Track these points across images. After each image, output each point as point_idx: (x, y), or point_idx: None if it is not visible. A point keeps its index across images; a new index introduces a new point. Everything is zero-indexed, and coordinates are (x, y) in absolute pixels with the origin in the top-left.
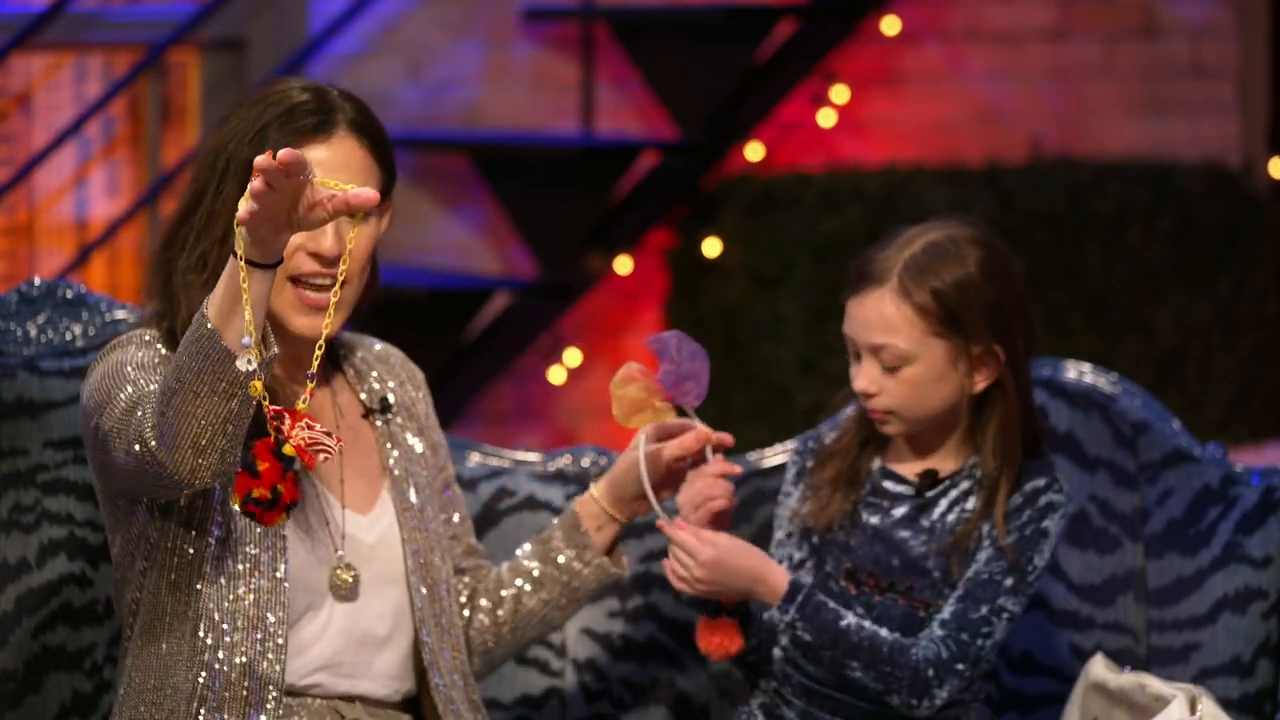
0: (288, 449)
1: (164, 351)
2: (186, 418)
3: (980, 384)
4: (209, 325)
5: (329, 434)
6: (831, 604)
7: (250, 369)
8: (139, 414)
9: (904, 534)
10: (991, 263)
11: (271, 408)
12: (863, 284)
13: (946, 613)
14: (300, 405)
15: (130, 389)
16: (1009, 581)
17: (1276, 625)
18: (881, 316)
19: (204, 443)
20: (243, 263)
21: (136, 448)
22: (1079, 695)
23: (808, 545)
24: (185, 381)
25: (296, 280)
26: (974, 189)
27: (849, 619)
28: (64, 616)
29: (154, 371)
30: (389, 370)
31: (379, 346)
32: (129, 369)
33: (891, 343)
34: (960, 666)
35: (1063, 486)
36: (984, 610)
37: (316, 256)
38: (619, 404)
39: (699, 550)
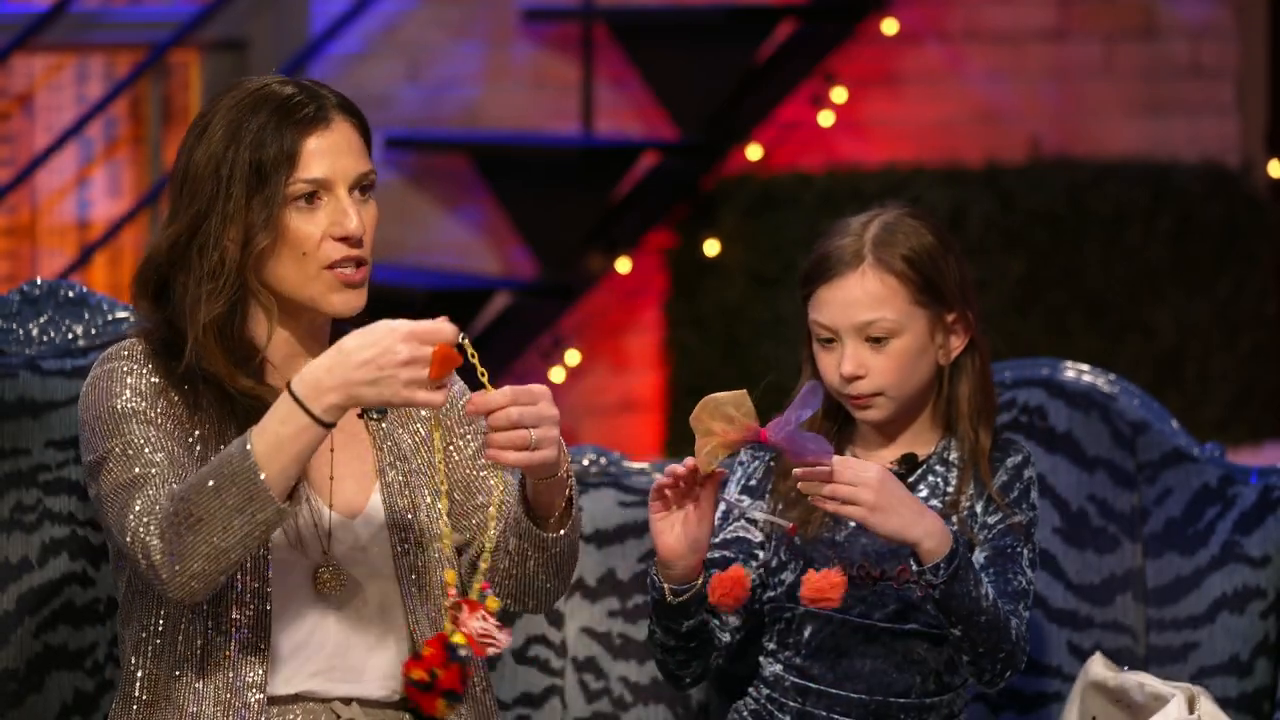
0: (458, 637)
1: (146, 374)
2: (207, 546)
3: (956, 349)
4: (260, 475)
5: (501, 627)
6: (972, 560)
7: (282, 513)
8: (138, 507)
9: None
10: (942, 233)
11: (452, 593)
12: (834, 270)
13: (995, 582)
14: (476, 596)
15: (122, 452)
16: (1024, 551)
17: (1275, 624)
18: (867, 292)
19: (210, 573)
20: (319, 423)
21: (137, 551)
22: (1078, 694)
23: (788, 549)
24: (214, 515)
25: (329, 267)
26: (974, 189)
27: (985, 581)
28: (65, 616)
29: (142, 418)
30: None
31: None
32: (115, 419)
33: (881, 315)
34: (1027, 635)
35: (1032, 456)
36: (1024, 582)
37: (345, 239)
38: (701, 424)
39: (865, 467)
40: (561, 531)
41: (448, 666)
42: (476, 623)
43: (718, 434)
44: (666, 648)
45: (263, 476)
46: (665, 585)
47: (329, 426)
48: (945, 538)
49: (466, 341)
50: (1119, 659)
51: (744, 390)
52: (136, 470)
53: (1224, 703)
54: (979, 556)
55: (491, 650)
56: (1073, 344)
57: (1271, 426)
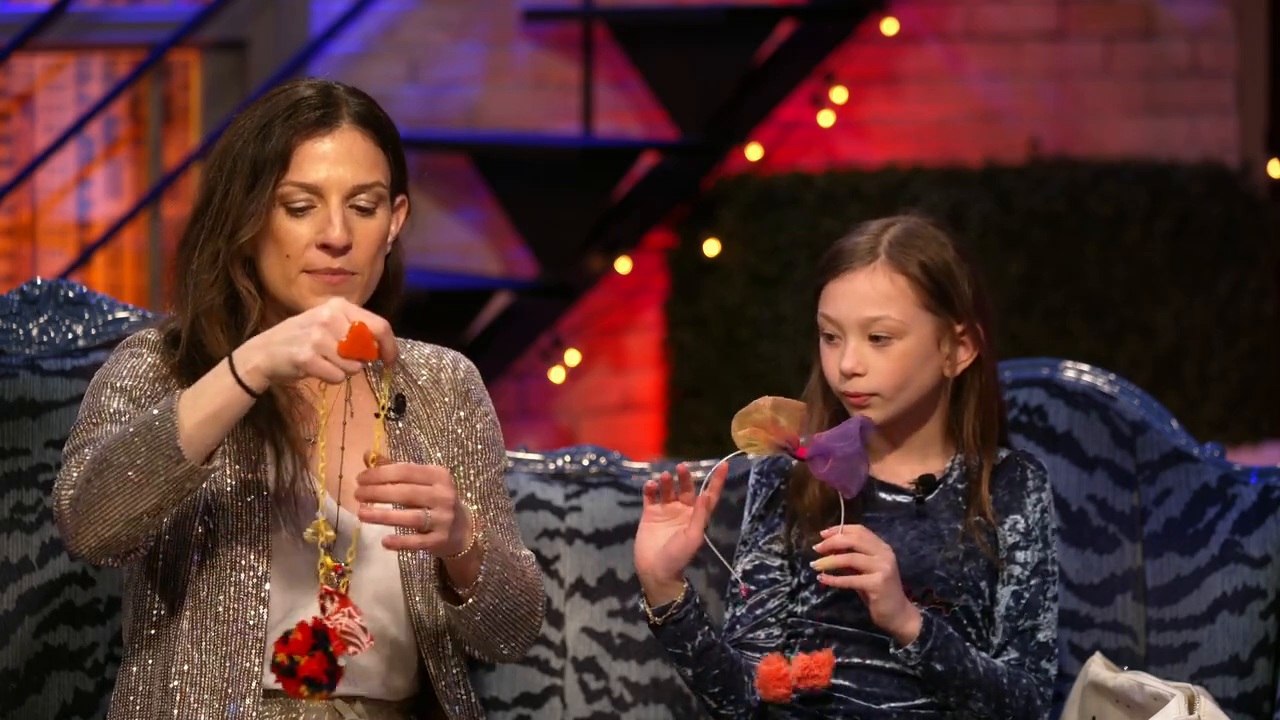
0: (324, 625)
1: (153, 360)
2: (108, 498)
3: (963, 363)
4: (175, 423)
5: (365, 630)
6: (957, 635)
7: (194, 472)
8: (72, 461)
9: (912, 542)
10: (964, 248)
11: (325, 587)
12: (848, 263)
13: (1015, 642)
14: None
15: (88, 419)
16: (1050, 589)
17: (1274, 624)
18: (875, 289)
19: (112, 526)
20: (240, 384)
21: (54, 504)
22: (1077, 694)
23: (806, 570)
24: (122, 465)
25: (310, 272)
26: (973, 189)
27: (972, 650)
28: (65, 616)
29: (128, 396)
30: (433, 378)
31: (427, 349)
32: (105, 393)
33: (886, 314)
34: (1048, 693)
35: (1048, 474)
36: (1050, 633)
37: (326, 247)
38: (754, 416)
39: (883, 544)
40: (470, 601)
41: (312, 654)
42: (342, 619)
43: (762, 429)
44: (694, 683)
45: (174, 425)
46: (647, 607)
47: (250, 393)
48: (918, 623)
49: (385, 344)
50: (1119, 659)
51: (803, 404)
52: (95, 434)
53: (1224, 703)
54: (1009, 600)
55: (352, 650)
56: (1073, 344)
57: (1271, 426)
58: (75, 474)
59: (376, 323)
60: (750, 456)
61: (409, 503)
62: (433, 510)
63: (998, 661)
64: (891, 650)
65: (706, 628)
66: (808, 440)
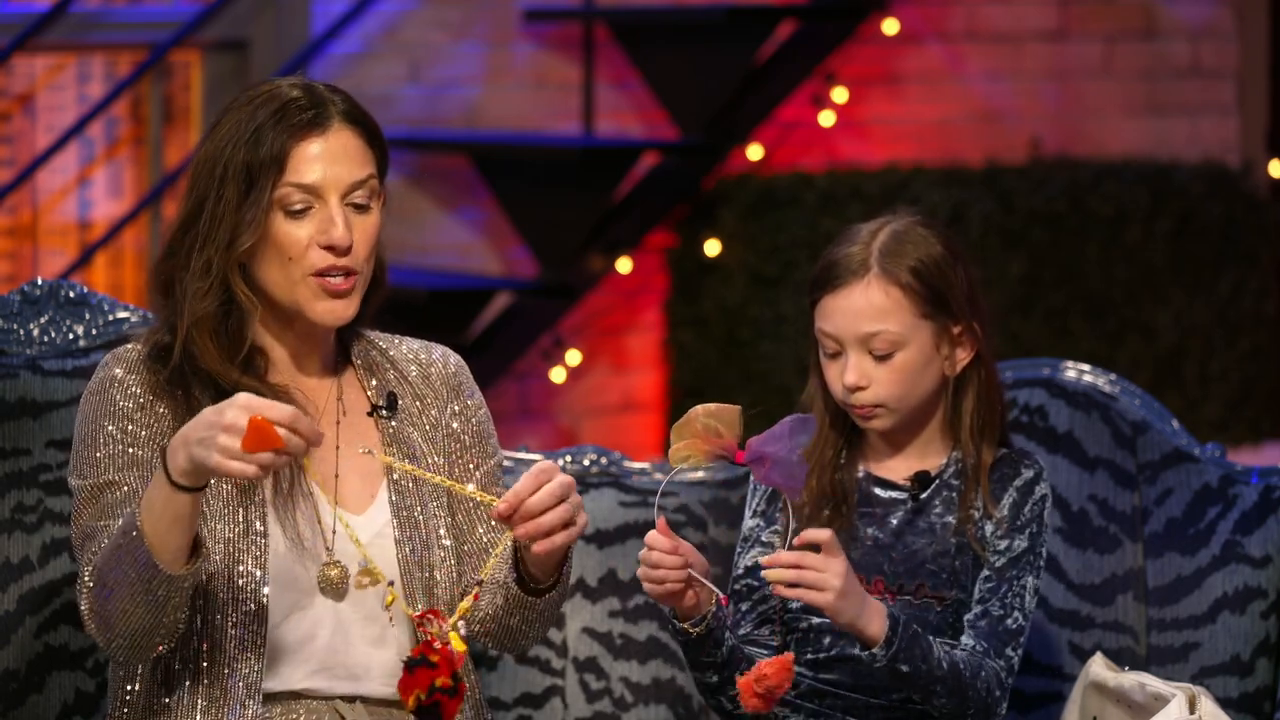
0: (456, 640)
1: (136, 388)
2: (125, 615)
3: (962, 361)
4: (145, 544)
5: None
6: (921, 632)
7: (183, 573)
8: (84, 566)
9: (906, 539)
10: (952, 243)
11: (416, 617)
12: (841, 278)
13: (983, 626)
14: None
15: (91, 494)
16: (1028, 581)
17: (1275, 624)
18: (871, 304)
19: (141, 635)
20: (175, 487)
21: (80, 609)
22: (1078, 694)
23: None
24: (121, 585)
25: (315, 274)
26: (974, 189)
27: (935, 646)
28: (66, 616)
29: (122, 452)
30: (423, 373)
31: (415, 344)
32: (98, 450)
33: (885, 328)
34: (1010, 680)
35: (1046, 472)
36: (1020, 620)
37: (330, 248)
38: (689, 427)
39: (838, 553)
40: (552, 594)
41: (458, 665)
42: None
43: (697, 440)
44: (714, 687)
45: (148, 545)
46: (684, 624)
47: (184, 489)
48: (885, 623)
49: (299, 428)
50: (1120, 659)
51: (738, 407)
52: (99, 523)
53: (1225, 703)
54: (982, 584)
55: (463, 630)
56: (1073, 344)
57: (1271, 426)
58: (88, 583)
59: (281, 412)
60: (687, 468)
61: (560, 501)
62: (573, 498)
63: (959, 653)
64: (858, 652)
65: (727, 632)
66: (745, 445)
